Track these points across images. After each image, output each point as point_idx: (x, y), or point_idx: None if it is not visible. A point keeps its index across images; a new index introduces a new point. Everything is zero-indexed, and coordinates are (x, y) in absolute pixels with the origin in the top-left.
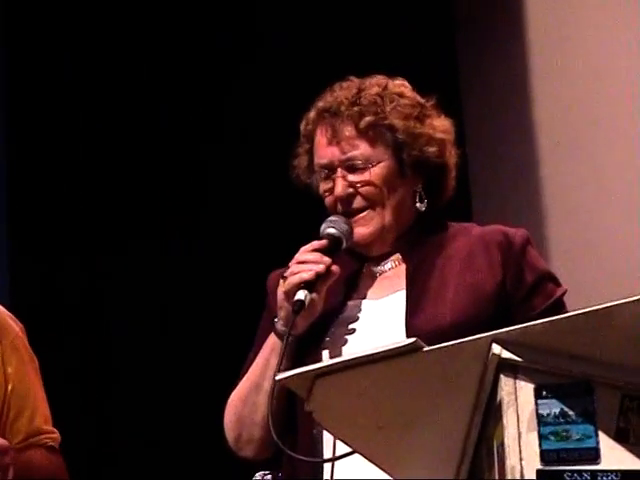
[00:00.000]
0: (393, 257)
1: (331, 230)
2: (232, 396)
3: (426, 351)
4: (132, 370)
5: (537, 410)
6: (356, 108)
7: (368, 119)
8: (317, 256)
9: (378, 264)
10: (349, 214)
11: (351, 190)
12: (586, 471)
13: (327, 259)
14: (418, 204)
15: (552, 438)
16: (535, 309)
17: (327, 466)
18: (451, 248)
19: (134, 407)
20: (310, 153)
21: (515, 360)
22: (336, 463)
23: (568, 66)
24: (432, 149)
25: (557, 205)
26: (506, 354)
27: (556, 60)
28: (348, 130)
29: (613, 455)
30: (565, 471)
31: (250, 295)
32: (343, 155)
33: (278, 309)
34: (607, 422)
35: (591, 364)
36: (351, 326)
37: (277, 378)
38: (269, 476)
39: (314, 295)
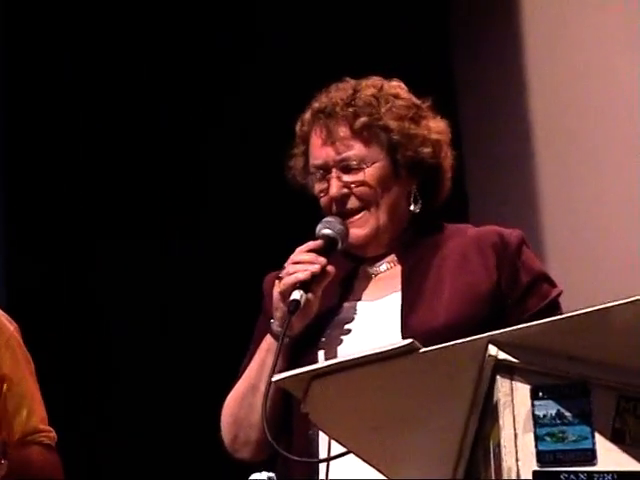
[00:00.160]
0: (388, 258)
1: (326, 231)
2: (228, 398)
3: (422, 352)
4: (130, 370)
5: (533, 411)
6: (351, 109)
7: (363, 120)
8: (312, 256)
9: (373, 265)
10: (344, 215)
11: (346, 190)
12: (582, 472)
13: (322, 259)
14: (412, 205)
15: (548, 439)
16: (530, 310)
17: (322, 467)
18: (446, 249)
19: (131, 407)
20: (305, 154)
21: (511, 361)
22: (332, 464)
23: (564, 66)
24: (427, 150)
25: (554, 206)
26: (502, 355)
27: (552, 61)
28: (343, 131)
29: (609, 456)
30: (561, 472)
31: (249, 296)
32: (338, 156)
33: (274, 310)
34: (603, 423)
35: (588, 365)
36: (347, 327)
37: (273, 379)
38: (265, 477)
39: (310, 295)
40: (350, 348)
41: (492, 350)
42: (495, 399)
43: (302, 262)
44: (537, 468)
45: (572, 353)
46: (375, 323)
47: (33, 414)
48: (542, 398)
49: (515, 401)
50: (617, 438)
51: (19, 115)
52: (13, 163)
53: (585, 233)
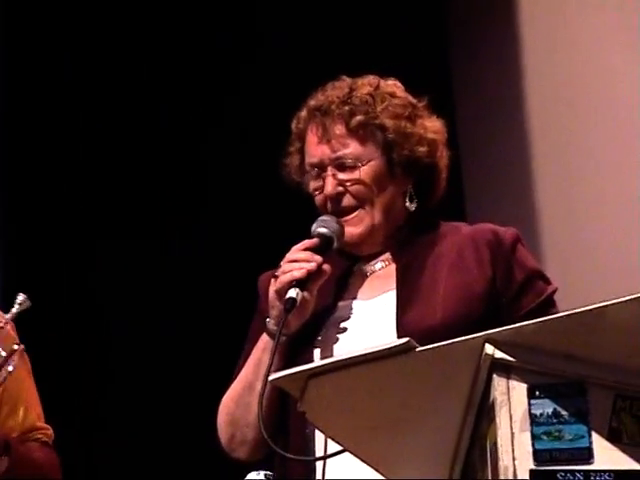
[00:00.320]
0: (383, 257)
1: (322, 229)
2: (225, 397)
3: (419, 351)
4: (129, 369)
5: (530, 410)
6: (347, 107)
7: (359, 118)
8: (308, 255)
9: (368, 264)
10: (339, 213)
11: (341, 189)
12: (579, 471)
13: (318, 257)
14: (408, 204)
15: (545, 438)
16: (525, 307)
17: (319, 466)
18: (441, 247)
19: (128, 407)
20: (301, 152)
21: (508, 360)
22: (329, 464)
23: (562, 67)
24: (422, 149)
25: (550, 205)
26: (499, 354)
27: (550, 61)
28: (339, 129)
29: (606, 455)
30: (558, 471)
31: (249, 296)
32: (333, 154)
33: (270, 308)
34: (600, 422)
35: (584, 364)
36: (342, 326)
37: (270, 379)
38: (262, 476)
39: (305, 293)
40: (346, 347)
41: (489, 349)
42: (492, 398)
43: (298, 260)
44: (534, 467)
45: (569, 352)
46: (370, 322)
47: (30, 411)
48: (539, 397)
49: (512, 400)
50: (614, 437)
51: (19, 115)
52: (13, 163)
53: (582, 233)
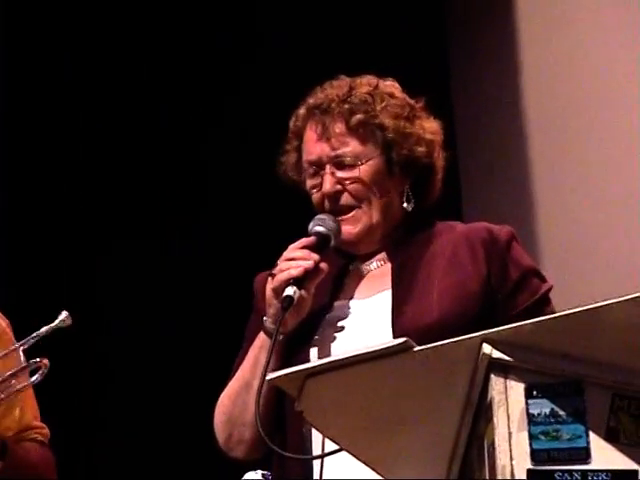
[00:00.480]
0: (379, 256)
1: (319, 228)
2: (222, 396)
3: (416, 351)
4: (128, 369)
5: (528, 410)
6: (347, 106)
7: (359, 117)
8: (305, 253)
9: (364, 263)
10: (336, 212)
11: (339, 187)
12: (577, 471)
13: (315, 256)
14: (405, 203)
15: (543, 438)
16: (520, 305)
17: (317, 465)
18: (436, 246)
19: (128, 407)
20: (298, 150)
21: (506, 360)
22: (326, 463)
23: (559, 67)
24: (421, 149)
25: (548, 205)
26: (497, 354)
27: (548, 61)
28: (338, 127)
29: (604, 455)
30: (555, 471)
31: (248, 296)
32: (332, 152)
33: (267, 307)
34: (598, 422)
35: (582, 364)
36: (339, 325)
37: (267, 378)
38: (259, 476)
39: (303, 292)
40: (342, 346)
41: (486, 348)
42: (489, 398)
43: (295, 258)
44: (531, 467)
45: (566, 351)
46: (366, 321)
47: (27, 410)
48: (536, 397)
49: (509, 400)
50: (611, 437)
51: (19, 115)
52: (13, 163)
53: (580, 232)
